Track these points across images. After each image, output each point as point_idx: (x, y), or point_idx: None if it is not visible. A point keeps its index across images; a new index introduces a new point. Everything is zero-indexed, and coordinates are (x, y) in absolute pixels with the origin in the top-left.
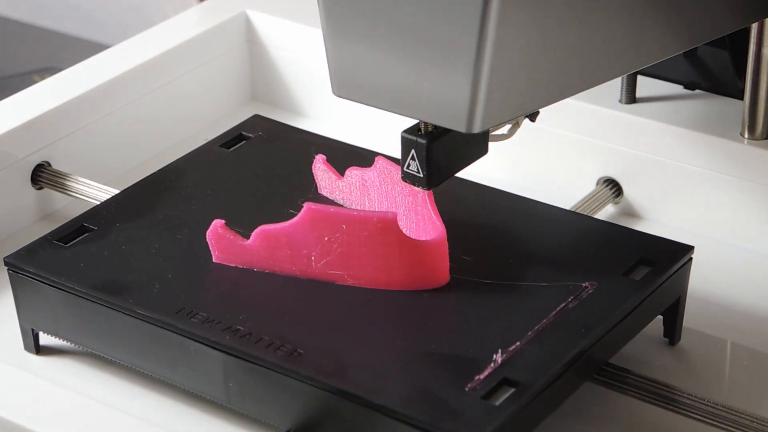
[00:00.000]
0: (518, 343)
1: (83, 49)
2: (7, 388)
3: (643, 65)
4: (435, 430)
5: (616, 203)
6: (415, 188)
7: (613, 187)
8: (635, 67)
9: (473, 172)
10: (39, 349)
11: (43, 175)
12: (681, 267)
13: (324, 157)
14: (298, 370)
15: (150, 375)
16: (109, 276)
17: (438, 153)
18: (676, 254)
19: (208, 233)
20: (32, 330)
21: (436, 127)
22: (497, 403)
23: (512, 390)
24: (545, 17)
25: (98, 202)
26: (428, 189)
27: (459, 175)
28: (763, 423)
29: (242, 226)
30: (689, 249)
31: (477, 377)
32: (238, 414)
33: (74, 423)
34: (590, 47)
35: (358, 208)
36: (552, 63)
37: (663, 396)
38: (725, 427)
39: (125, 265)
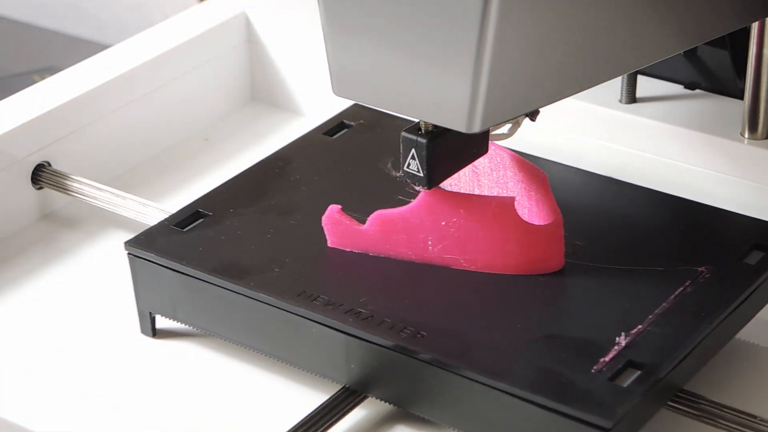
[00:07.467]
0: (640, 326)
1: (83, 49)
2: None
3: (643, 65)
4: (565, 412)
5: None
6: (529, 173)
7: None
8: (635, 67)
9: None
10: (155, 332)
11: (43, 175)
12: None
13: None
14: (422, 351)
15: (267, 355)
16: (228, 260)
17: (438, 152)
18: None
19: (324, 218)
20: (150, 313)
21: (436, 126)
22: (625, 384)
23: (638, 372)
24: (545, 17)
25: (98, 202)
26: (428, 188)
27: (558, 160)
28: (763, 423)
29: (354, 211)
30: None
31: (602, 360)
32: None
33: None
34: (590, 47)
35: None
36: (552, 62)
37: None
38: (725, 427)
39: (242, 249)
